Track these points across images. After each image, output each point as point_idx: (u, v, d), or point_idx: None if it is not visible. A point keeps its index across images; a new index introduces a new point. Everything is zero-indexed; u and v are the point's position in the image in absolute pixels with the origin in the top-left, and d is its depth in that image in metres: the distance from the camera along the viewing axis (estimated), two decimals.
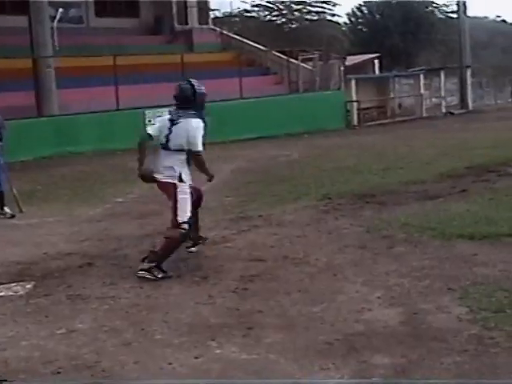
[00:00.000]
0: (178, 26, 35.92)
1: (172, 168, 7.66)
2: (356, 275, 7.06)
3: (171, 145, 7.67)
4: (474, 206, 10.08)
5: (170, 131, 7.68)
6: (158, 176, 7.76)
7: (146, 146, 7.85)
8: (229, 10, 51.56)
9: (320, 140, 24.23)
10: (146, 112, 24.03)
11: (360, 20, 59.34)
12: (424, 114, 35.97)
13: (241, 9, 54.82)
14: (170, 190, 7.65)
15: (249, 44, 35.71)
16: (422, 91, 36.86)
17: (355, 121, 32.43)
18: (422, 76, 37.27)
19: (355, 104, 32.62)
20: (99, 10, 33.80)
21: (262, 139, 25.36)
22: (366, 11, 59.12)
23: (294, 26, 54.51)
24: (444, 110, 37.42)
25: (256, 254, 8.17)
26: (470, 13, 43.27)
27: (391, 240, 8.42)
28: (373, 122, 33.01)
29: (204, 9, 38.52)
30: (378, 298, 6.27)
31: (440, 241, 8.18)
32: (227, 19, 51.58)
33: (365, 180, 13.59)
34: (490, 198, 10.64)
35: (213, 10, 42.72)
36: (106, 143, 23.16)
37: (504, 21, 75.51)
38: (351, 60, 37.13)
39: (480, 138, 20.64)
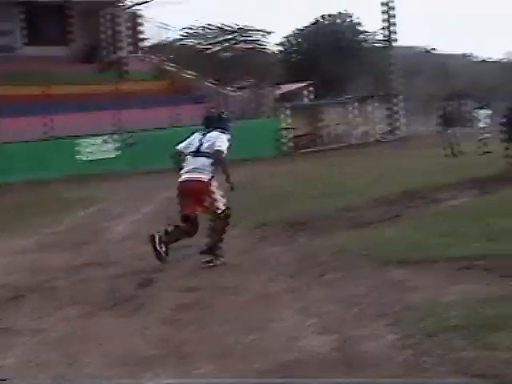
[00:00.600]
0: (110, 55, 35.76)
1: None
2: (290, 303, 7.08)
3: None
4: (406, 232, 10.23)
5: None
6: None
7: None
8: (162, 38, 51.47)
9: (255, 167, 24.30)
10: (79, 141, 23.78)
11: (293, 48, 60.06)
12: (356, 141, 36.50)
13: (175, 37, 54.86)
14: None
15: (182, 72, 35.78)
16: (354, 118, 37.41)
17: (289, 148, 32.69)
18: (353, 103, 37.86)
19: (289, 131, 32.92)
20: (30, 39, 33.46)
21: None
22: (298, 39, 59.91)
23: (227, 54, 54.80)
24: (375, 137, 38.04)
25: (191, 283, 8.13)
26: (399, 41, 44.22)
27: (325, 267, 8.46)
28: (306, 149, 33.34)
29: (136, 37, 38.50)
30: (312, 325, 6.29)
31: (373, 267, 8.24)
32: (161, 47, 51.52)
33: (300, 207, 13.67)
34: (420, 224, 10.82)
35: (146, 38, 42.69)
36: (38, 172, 22.84)
37: (432, 49, 77.38)
38: (284, 88, 37.54)
39: (411, 165, 21.04)
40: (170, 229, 9.29)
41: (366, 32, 60.63)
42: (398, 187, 15.26)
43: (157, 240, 9.06)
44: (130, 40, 37.89)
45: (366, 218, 11.73)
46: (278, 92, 35.61)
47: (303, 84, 42.23)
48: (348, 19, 60.39)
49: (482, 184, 15.00)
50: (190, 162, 9.37)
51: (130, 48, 37.79)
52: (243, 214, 13.01)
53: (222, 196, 9.42)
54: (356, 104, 38.10)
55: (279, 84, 37.55)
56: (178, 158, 9.59)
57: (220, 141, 9.37)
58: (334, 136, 36.91)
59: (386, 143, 35.81)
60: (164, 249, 9.09)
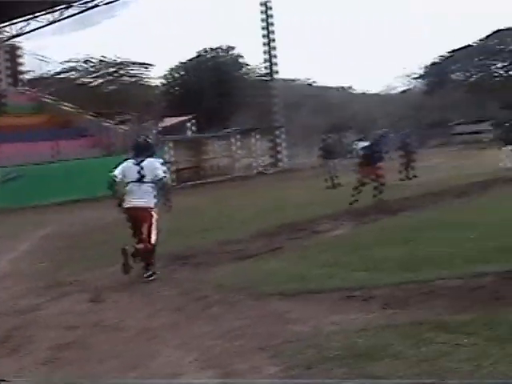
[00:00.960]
0: None
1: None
2: (173, 338, 6.98)
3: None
4: (287, 264, 10.30)
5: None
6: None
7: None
8: (43, 71, 50.57)
9: None
10: None
11: (176, 81, 60.13)
12: (239, 174, 36.77)
13: (56, 70, 54.00)
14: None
15: (64, 105, 35.22)
16: (237, 151, 37.71)
17: (172, 182, 32.60)
18: (236, 136, 38.19)
19: (171, 165, 32.85)
20: None
21: (78, 202, 24.87)
22: (181, 73, 60.05)
23: (109, 87, 54.35)
24: (258, 170, 38.45)
25: (70, 321, 7.91)
26: (281, 75, 45.09)
27: (206, 301, 8.42)
28: (189, 183, 33.33)
29: (16, 70, 37.70)
30: (194, 360, 6.20)
31: (254, 300, 8.23)
32: (42, 81, 50.60)
33: (181, 241, 13.61)
34: (301, 256, 10.93)
35: (25, 71, 41.86)
36: None
37: (313, 82, 79.41)
38: (167, 121, 37.50)
39: (293, 197, 21.36)
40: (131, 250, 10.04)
41: (247, 65, 61.48)
42: (280, 219, 15.45)
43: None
44: (8, 73, 37.00)
45: (249, 251, 11.78)
46: (160, 125, 35.50)
47: (186, 117, 42.32)
48: (230, 52, 60.96)
49: (361, 215, 15.40)
50: (135, 190, 10.29)
51: (9, 80, 36.90)
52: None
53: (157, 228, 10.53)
54: (239, 137, 38.45)
55: (162, 117, 37.47)
56: (116, 187, 10.35)
57: (159, 169, 10.43)
58: (218, 169, 37.09)
59: (268, 175, 36.26)
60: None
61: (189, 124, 41.42)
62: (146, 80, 56.70)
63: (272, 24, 43.15)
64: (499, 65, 73.27)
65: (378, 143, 18.77)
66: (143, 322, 7.74)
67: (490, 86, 71.96)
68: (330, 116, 63.27)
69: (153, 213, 10.39)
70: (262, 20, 43.10)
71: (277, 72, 43.27)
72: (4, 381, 4.05)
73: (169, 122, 38.53)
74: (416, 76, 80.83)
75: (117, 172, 10.37)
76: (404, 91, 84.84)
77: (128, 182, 10.33)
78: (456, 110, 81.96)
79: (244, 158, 38.68)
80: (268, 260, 10.85)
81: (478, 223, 12.55)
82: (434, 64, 77.49)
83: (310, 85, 77.61)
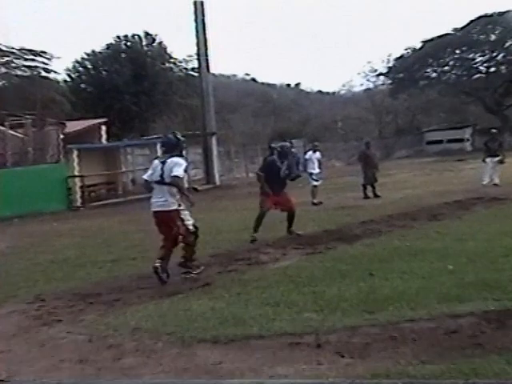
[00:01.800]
0: None
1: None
2: None
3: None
4: (219, 303, 10.22)
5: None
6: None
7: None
8: None
9: (34, 225, 23.82)
10: None
11: (83, 77, 59.23)
12: None
13: None
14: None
15: None
16: None
17: (79, 201, 32.32)
18: (159, 145, 38.02)
19: (78, 180, 32.55)
20: None
21: None
22: (89, 66, 59.15)
23: (1, 82, 53.59)
24: (187, 186, 38.28)
25: None
26: (215, 70, 45.07)
27: (119, 350, 8.33)
28: (100, 202, 33.09)
29: None
30: None
31: (178, 348, 8.16)
32: None
33: (88, 275, 13.49)
34: (237, 293, 10.83)
35: None
36: None
37: (254, 79, 79.30)
38: (73, 126, 37.19)
39: (228, 219, 21.34)
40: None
41: (173, 58, 60.87)
42: (211, 247, 15.42)
43: (159, 270, 11.99)
44: None
45: (170, 287, 11.71)
46: (65, 131, 35.16)
47: (96, 121, 41.95)
48: (151, 42, 60.14)
49: (312, 242, 15.41)
50: (155, 191, 12.25)
51: None
52: (17, 285, 12.73)
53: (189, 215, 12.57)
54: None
55: (66, 121, 37.11)
56: (148, 186, 12.33)
57: (177, 166, 11.96)
58: (136, 185, 36.87)
59: (200, 193, 36.08)
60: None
61: (100, 129, 40.98)
62: (46, 75, 55.78)
63: (202, 3, 43.16)
64: (479, 59, 73.52)
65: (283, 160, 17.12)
66: (41, 376, 7.60)
67: (469, 85, 72.22)
68: (277, 119, 63.39)
69: (173, 215, 12.14)
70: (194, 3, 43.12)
71: (210, 67, 43.05)
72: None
73: (75, 126, 38.14)
74: (380, 72, 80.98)
75: (148, 173, 12.37)
76: (367, 90, 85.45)
77: (152, 182, 12.26)
78: (429, 113, 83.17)
79: None
80: (197, 298, 10.73)
81: (453, 252, 12.72)
82: (401, 58, 77.64)
83: (254, 80, 77.55)
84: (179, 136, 12.45)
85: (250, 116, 63.18)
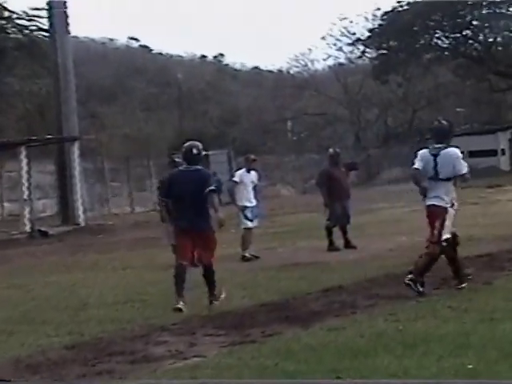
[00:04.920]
0: None
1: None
2: None
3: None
4: None
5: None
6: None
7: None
8: None
9: None
10: None
11: None
12: None
13: None
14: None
15: None
16: None
17: None
18: None
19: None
20: None
21: None
22: None
23: None
24: (31, 227, 29.58)
25: None
26: (78, 32, 36.05)
27: None
28: None
29: None
30: None
31: None
32: None
33: None
34: None
35: None
36: None
37: (145, 47, 67.02)
38: None
39: (99, 285, 15.61)
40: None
41: (9, 12, 45.52)
42: (67, 334, 10.75)
43: (412, 284, 11.93)
44: None
45: None
46: None
47: None
48: None
49: (239, 323, 10.94)
50: (431, 187, 12.14)
51: None
52: None
53: (452, 225, 12.26)
54: None
55: None
56: (419, 178, 12.31)
57: (459, 164, 11.93)
58: None
59: (50, 239, 28.01)
60: (420, 287, 12.00)
61: None
62: None
63: None
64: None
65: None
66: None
67: (507, 60, 52.51)
68: (185, 114, 49.54)
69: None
70: None
71: (69, 26, 31.44)
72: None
73: None
74: (359, 38, 56.58)
75: (419, 164, 12.21)
76: (337, 66, 64.30)
77: (424, 175, 12.29)
78: (439, 107, 59.78)
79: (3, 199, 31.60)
80: None
81: (477, 341, 9.40)
82: (392, 12, 54.42)
83: (145, 48, 64.81)
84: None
85: (138, 109, 50.62)
